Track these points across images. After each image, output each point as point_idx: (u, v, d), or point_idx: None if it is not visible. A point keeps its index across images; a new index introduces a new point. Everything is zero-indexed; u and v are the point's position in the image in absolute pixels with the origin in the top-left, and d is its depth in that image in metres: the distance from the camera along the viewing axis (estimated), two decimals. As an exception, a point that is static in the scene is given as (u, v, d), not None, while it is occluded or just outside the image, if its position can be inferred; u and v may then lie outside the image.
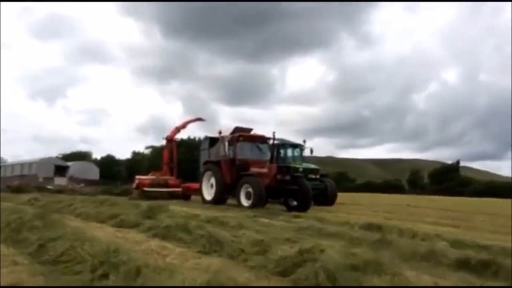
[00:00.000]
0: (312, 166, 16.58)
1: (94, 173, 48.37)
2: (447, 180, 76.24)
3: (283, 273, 3.76)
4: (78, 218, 8.19)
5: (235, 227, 6.50)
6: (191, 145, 49.49)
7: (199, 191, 16.37)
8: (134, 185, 20.54)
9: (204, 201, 15.45)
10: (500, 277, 4.07)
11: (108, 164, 68.40)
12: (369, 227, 7.25)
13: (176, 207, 10.37)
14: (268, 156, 14.83)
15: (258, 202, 12.65)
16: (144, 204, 8.85)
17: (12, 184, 27.56)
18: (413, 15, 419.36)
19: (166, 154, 22.39)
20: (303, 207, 12.94)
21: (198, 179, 17.66)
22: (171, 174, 21.81)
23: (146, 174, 22.89)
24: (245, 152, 15.02)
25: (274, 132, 14.08)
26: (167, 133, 22.78)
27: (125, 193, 21.27)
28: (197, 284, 2.64)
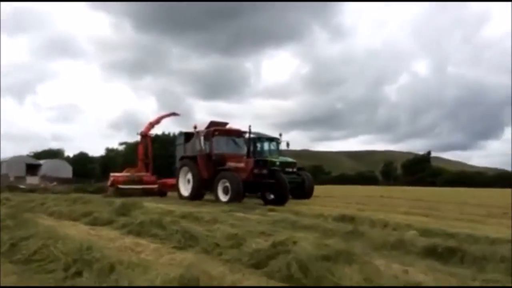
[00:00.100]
0: (289, 159, 16.67)
1: (67, 171, 47.61)
2: (419, 171, 78.15)
3: (257, 266, 3.82)
4: (51, 217, 8.07)
5: (210, 221, 6.53)
6: (166, 140, 49.09)
7: (175, 187, 16.27)
8: (109, 183, 20.23)
9: (181, 197, 15.34)
10: (465, 263, 4.24)
11: (81, 162, 67.35)
12: (342, 218, 7.39)
13: (151, 204, 10.31)
14: (244, 150, 14.82)
15: (236, 197, 12.66)
16: (118, 201, 8.78)
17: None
18: (383, 7, 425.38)
19: (141, 150, 22.10)
20: (280, 201, 12.99)
21: (174, 175, 17.54)
22: (147, 171, 21.52)
23: (120, 171, 22.51)
24: (221, 146, 14.94)
25: (250, 126, 14.10)
26: (141, 128, 22.51)
27: (100, 191, 20.97)
28: (170, 278, 2.68)
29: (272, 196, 13.76)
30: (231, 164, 13.91)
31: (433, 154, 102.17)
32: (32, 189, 23.26)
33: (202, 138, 15.13)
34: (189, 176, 15.13)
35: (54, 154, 72.04)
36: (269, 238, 4.61)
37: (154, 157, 23.37)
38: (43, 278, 3.34)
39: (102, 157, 75.26)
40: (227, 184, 13.12)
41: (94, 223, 6.70)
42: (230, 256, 4.19)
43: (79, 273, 3.30)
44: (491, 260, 4.14)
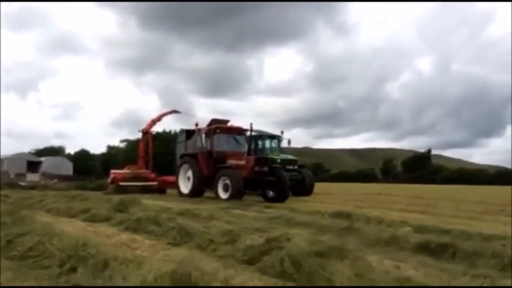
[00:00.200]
0: (290, 157, 16.70)
1: (67, 169, 47.66)
2: (419, 168, 78.19)
3: (250, 262, 3.86)
4: (49, 213, 8.11)
5: (207, 218, 6.58)
6: (167, 138, 49.13)
7: (175, 185, 16.32)
8: (109, 180, 20.29)
9: (181, 194, 15.39)
10: (457, 259, 4.28)
11: (82, 159, 67.50)
12: (338, 215, 7.44)
13: (150, 201, 10.37)
14: (245, 148, 14.88)
15: (236, 194, 12.69)
16: (116, 198, 8.83)
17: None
18: (387, 5, 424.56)
19: (141, 147, 22.15)
20: (281, 198, 13.06)
21: (174, 172, 17.59)
22: (147, 168, 21.57)
23: (121, 168, 22.58)
24: (222, 144, 14.99)
25: (251, 124, 14.18)
26: (143, 126, 22.58)
27: (100, 188, 21.01)
28: (162, 274, 2.72)
29: (272, 194, 13.80)
30: (231, 161, 13.96)
31: (434, 151, 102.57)
32: (32, 186, 23.32)
33: (203, 135, 15.18)
34: (189, 173, 15.18)
35: (55, 152, 72.12)
36: (264, 234, 4.65)
37: (155, 155, 23.43)
38: (38, 274, 3.38)
39: (103, 155, 75.41)
40: (227, 181, 13.16)
41: (92, 219, 6.74)
42: (224, 252, 4.23)
43: (73, 269, 3.34)
44: (483, 256, 4.17)
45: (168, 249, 4.49)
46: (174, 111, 23.72)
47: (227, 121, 17.08)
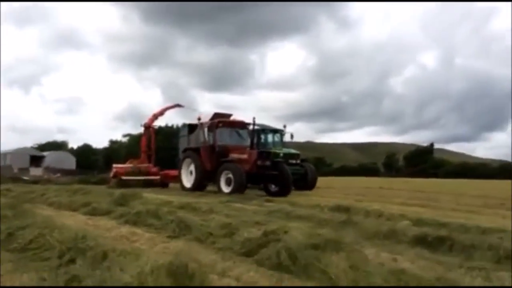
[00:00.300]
0: (293, 151, 16.65)
1: (70, 163, 47.85)
2: (422, 162, 78.03)
3: (248, 254, 3.90)
4: (50, 207, 8.19)
5: (206, 212, 6.62)
6: (169, 132, 49.20)
7: (177, 179, 16.36)
8: (111, 174, 20.35)
9: (183, 188, 15.43)
10: (454, 251, 4.31)
11: (84, 154, 67.74)
12: (337, 209, 7.46)
13: (151, 195, 10.42)
14: (248, 141, 14.88)
15: (238, 188, 12.71)
16: (117, 192, 8.89)
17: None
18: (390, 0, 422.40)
19: (144, 141, 22.21)
20: (283, 192, 13.08)
21: (176, 166, 17.63)
22: (149, 162, 21.60)
23: (123, 162, 22.64)
24: (224, 138, 15.01)
25: (254, 118, 14.14)
26: (145, 120, 22.61)
27: (102, 182, 21.09)
28: (159, 265, 2.76)
29: (275, 188, 13.83)
30: (234, 155, 13.98)
31: (437, 145, 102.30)
32: (35, 181, 23.43)
33: (206, 129, 15.18)
34: (192, 167, 15.21)
35: (58, 146, 72.35)
36: (263, 227, 4.69)
37: (157, 149, 23.48)
38: (38, 266, 3.42)
39: (105, 149, 75.59)
40: (230, 175, 13.18)
41: (93, 213, 6.80)
42: (222, 244, 4.28)
43: (72, 261, 3.38)
44: (479, 249, 4.20)
45: (167, 242, 4.54)
46: (177, 105, 23.71)
47: (229, 115, 17.08)
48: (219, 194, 12.35)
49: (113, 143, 77.08)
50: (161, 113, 22.76)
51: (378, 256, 4.05)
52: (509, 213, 8.32)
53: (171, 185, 18.64)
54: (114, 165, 21.10)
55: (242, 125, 15.77)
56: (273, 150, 15.19)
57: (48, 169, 38.22)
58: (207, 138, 15.02)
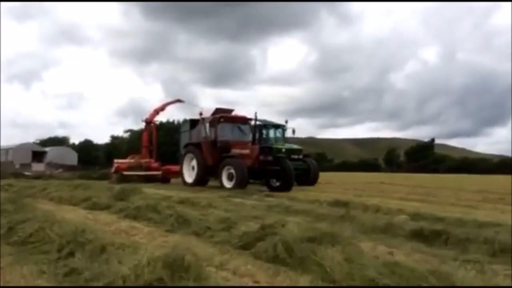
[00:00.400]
0: (295, 146, 16.58)
1: (72, 159, 47.93)
2: (423, 158, 77.94)
3: (245, 247, 3.95)
4: (51, 202, 8.25)
5: (206, 206, 6.67)
6: (171, 128, 49.28)
7: (178, 174, 16.39)
8: (112, 169, 20.39)
9: (185, 183, 15.44)
10: (449, 245, 4.35)
11: (86, 149, 67.83)
12: (336, 203, 7.49)
13: (151, 190, 10.47)
14: (249, 137, 14.85)
15: (240, 183, 12.72)
16: (117, 187, 8.94)
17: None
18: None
19: (145, 137, 22.24)
20: (285, 188, 13.07)
21: (177, 162, 17.65)
22: (151, 157, 21.62)
23: (125, 158, 22.70)
24: (226, 133, 15.02)
25: (256, 113, 14.12)
26: (146, 115, 22.64)
27: (103, 177, 21.16)
28: (155, 258, 2.80)
29: (277, 183, 13.85)
30: (236, 150, 13.98)
31: (438, 141, 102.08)
32: (37, 176, 23.53)
33: (207, 124, 15.18)
34: (194, 162, 15.22)
35: (59, 142, 72.50)
36: (261, 222, 4.73)
37: (159, 145, 23.50)
38: (38, 259, 3.48)
39: (107, 145, 75.73)
40: (232, 170, 13.20)
41: (93, 207, 6.86)
42: (220, 238, 4.33)
43: (72, 254, 3.43)
44: (475, 242, 4.24)
45: (165, 236, 4.59)
46: (178, 101, 23.71)
47: (231, 111, 17.08)
48: (218, 189, 12.37)
49: (114, 138, 77.22)
50: (162, 108, 22.78)
51: (375, 249, 4.09)
52: (507, 207, 8.34)
53: (173, 180, 18.68)
54: (116, 160, 21.13)
55: (244, 120, 15.76)
56: (275, 146, 15.18)
57: (50, 164, 38.33)
58: (208, 133, 15.02)
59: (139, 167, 19.91)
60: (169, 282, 2.58)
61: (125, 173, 19.06)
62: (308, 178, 16.21)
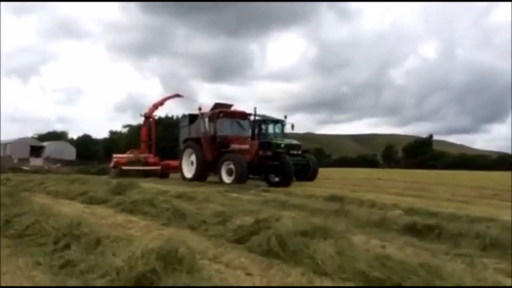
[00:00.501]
0: (294, 141, 16.59)
1: (70, 153, 47.87)
2: (421, 154, 78.08)
3: (239, 241, 4.00)
4: (48, 196, 8.29)
5: (202, 201, 6.70)
6: (169, 123, 49.28)
7: (177, 169, 16.41)
8: (111, 164, 20.38)
9: (184, 178, 15.44)
10: (442, 239, 4.40)
11: (84, 144, 67.80)
12: (332, 198, 7.53)
13: (149, 184, 10.50)
14: (249, 132, 14.86)
15: (240, 179, 12.74)
16: (114, 181, 8.98)
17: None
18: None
19: (144, 131, 22.23)
20: (284, 183, 13.11)
21: (176, 157, 17.66)
22: (150, 152, 21.59)
23: (124, 153, 22.68)
24: (225, 128, 15.03)
25: (255, 108, 14.11)
26: (145, 110, 22.63)
27: (102, 172, 21.17)
28: (149, 250, 2.84)
29: (276, 178, 13.88)
30: (235, 146, 14.00)
31: (437, 137, 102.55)
32: (35, 171, 23.53)
33: (206, 120, 15.18)
34: (193, 157, 15.21)
35: (58, 136, 72.39)
36: (256, 216, 4.77)
37: (157, 139, 23.49)
38: (34, 251, 3.53)
39: (105, 140, 75.70)
40: (231, 165, 13.21)
41: (90, 201, 6.90)
42: (215, 232, 4.37)
43: (67, 246, 3.48)
44: (467, 236, 4.29)
45: (161, 229, 4.64)
46: (177, 95, 23.67)
47: (230, 106, 17.06)
48: (215, 184, 12.41)
49: (113, 133, 77.20)
50: (161, 103, 22.76)
51: (367, 243, 4.14)
52: (502, 203, 8.41)
53: (172, 175, 18.70)
54: (114, 155, 21.09)
55: (243, 115, 15.75)
56: (274, 141, 15.19)
57: (48, 159, 38.33)
58: (208, 129, 15.02)
59: (138, 162, 19.91)
60: (162, 274, 2.62)
61: (124, 168, 19.06)
62: (307, 173, 16.23)
